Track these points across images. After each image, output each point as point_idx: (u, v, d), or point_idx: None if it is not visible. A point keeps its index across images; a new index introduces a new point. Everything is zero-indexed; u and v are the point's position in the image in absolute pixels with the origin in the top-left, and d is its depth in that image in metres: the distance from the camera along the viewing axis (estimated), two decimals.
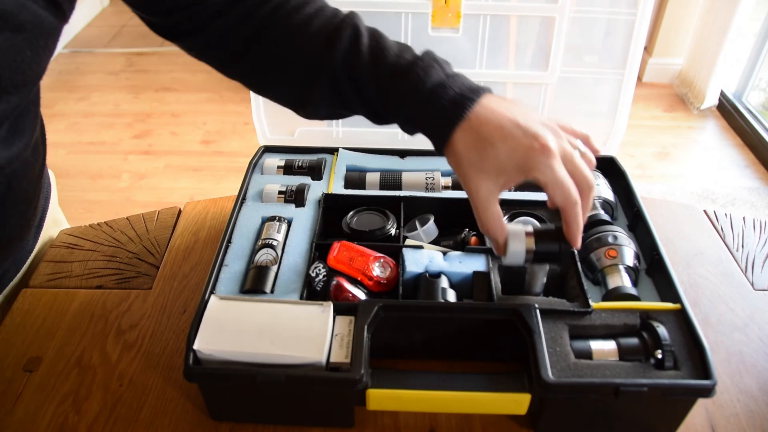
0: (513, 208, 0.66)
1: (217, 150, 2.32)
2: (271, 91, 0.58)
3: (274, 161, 0.75)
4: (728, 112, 2.43)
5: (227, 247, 0.62)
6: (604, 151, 0.78)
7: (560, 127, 0.51)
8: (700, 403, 0.56)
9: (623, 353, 0.51)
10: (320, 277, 0.57)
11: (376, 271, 0.58)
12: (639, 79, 2.61)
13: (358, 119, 0.57)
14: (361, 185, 0.71)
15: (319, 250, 0.61)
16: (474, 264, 0.59)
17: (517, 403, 0.50)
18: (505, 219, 0.52)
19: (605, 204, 0.67)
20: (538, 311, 0.52)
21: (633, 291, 0.57)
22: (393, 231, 0.63)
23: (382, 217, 0.65)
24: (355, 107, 0.55)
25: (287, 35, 0.54)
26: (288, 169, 0.74)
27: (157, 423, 0.54)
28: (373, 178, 0.72)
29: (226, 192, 0.82)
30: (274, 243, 0.62)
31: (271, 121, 0.80)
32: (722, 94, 2.46)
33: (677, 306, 0.54)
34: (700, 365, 0.49)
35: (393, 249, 0.61)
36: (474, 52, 0.76)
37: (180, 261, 0.71)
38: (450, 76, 0.50)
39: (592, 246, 0.61)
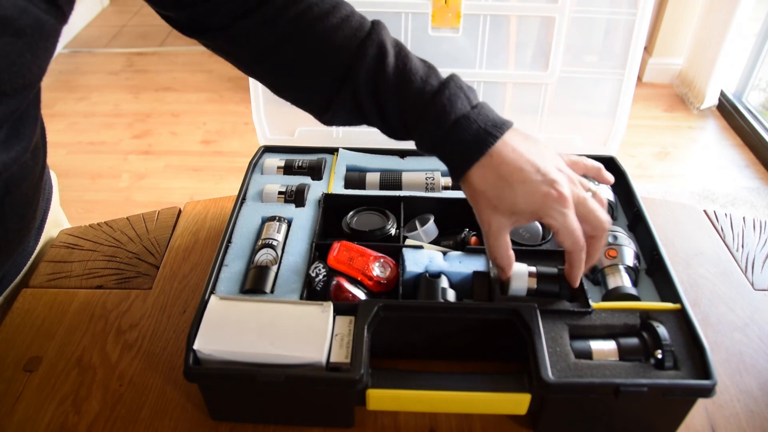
0: None
1: (217, 150, 2.32)
2: (290, 97, 0.57)
3: (274, 161, 0.75)
4: (728, 112, 2.43)
5: (227, 247, 0.62)
6: (604, 151, 0.78)
7: (573, 164, 0.53)
8: (700, 403, 0.56)
9: (623, 353, 0.51)
10: (320, 277, 0.57)
11: (376, 271, 0.58)
12: (639, 79, 2.61)
13: None
14: (361, 185, 0.71)
15: (319, 250, 0.61)
16: (474, 264, 0.59)
17: (517, 403, 0.50)
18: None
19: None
20: (538, 311, 0.52)
21: (633, 291, 0.57)
22: (393, 231, 0.63)
23: (382, 217, 0.65)
24: (375, 123, 0.55)
25: (311, 45, 0.52)
26: (288, 169, 0.74)
27: (157, 423, 0.54)
28: (373, 178, 0.72)
29: (226, 192, 0.82)
30: (274, 243, 0.62)
31: (271, 121, 0.80)
32: (722, 94, 2.46)
33: (677, 306, 0.54)
34: (700, 365, 0.49)
35: (393, 249, 0.61)
36: (474, 52, 0.76)
37: (180, 261, 0.71)
38: (475, 107, 0.50)
39: None
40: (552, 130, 0.81)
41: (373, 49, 0.52)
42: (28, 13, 0.43)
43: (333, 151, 0.77)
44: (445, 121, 0.49)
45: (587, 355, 0.51)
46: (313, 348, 0.49)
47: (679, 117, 2.49)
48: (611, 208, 0.68)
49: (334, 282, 0.56)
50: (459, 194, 0.69)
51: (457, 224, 0.65)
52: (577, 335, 0.52)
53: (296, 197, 0.68)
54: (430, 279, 0.57)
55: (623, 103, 0.77)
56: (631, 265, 0.59)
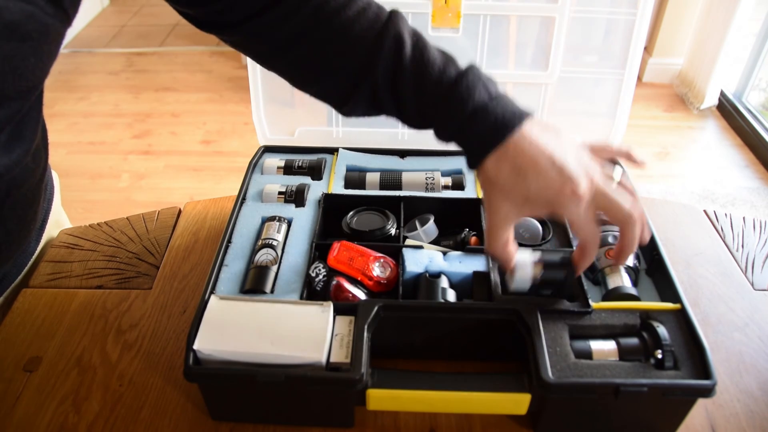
0: None
1: (217, 150, 2.32)
2: (309, 90, 0.57)
3: (274, 161, 0.75)
4: (728, 112, 2.43)
5: (227, 247, 0.62)
6: None
7: (600, 149, 0.52)
8: (700, 403, 0.56)
9: (623, 353, 0.51)
10: (320, 277, 0.57)
11: (376, 271, 0.58)
12: (639, 79, 2.61)
13: (359, 119, 0.56)
14: (361, 185, 0.71)
15: (319, 250, 0.61)
16: (474, 264, 0.59)
17: (517, 403, 0.50)
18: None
19: None
20: (538, 311, 0.52)
21: (633, 291, 0.57)
22: (393, 231, 0.63)
23: (382, 217, 0.65)
24: (392, 113, 0.55)
25: (328, 39, 0.52)
26: (288, 169, 0.74)
27: (157, 423, 0.54)
28: (373, 178, 0.72)
29: (226, 192, 0.82)
30: (274, 243, 0.62)
31: (271, 121, 0.80)
32: (722, 94, 2.46)
33: (677, 306, 0.54)
34: (700, 365, 0.49)
35: (393, 249, 0.61)
36: (474, 52, 0.76)
37: (180, 261, 0.71)
38: (494, 98, 0.50)
39: None
40: None
41: (390, 41, 0.51)
42: (34, 18, 0.43)
43: (333, 151, 0.77)
44: (463, 112, 0.49)
45: (587, 355, 0.51)
46: (313, 348, 0.49)
47: (679, 117, 2.49)
48: None
49: (334, 282, 0.56)
50: (459, 194, 0.69)
51: (457, 224, 0.65)
52: (577, 335, 0.52)
53: (296, 197, 0.68)
54: (430, 279, 0.57)
55: (623, 103, 0.77)
56: (631, 265, 0.59)
